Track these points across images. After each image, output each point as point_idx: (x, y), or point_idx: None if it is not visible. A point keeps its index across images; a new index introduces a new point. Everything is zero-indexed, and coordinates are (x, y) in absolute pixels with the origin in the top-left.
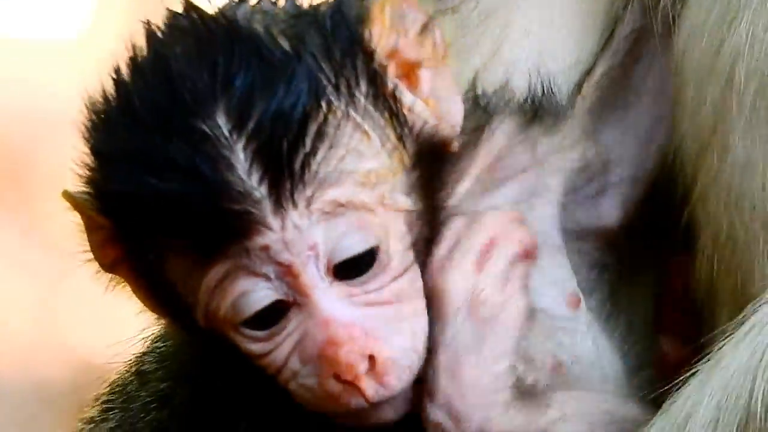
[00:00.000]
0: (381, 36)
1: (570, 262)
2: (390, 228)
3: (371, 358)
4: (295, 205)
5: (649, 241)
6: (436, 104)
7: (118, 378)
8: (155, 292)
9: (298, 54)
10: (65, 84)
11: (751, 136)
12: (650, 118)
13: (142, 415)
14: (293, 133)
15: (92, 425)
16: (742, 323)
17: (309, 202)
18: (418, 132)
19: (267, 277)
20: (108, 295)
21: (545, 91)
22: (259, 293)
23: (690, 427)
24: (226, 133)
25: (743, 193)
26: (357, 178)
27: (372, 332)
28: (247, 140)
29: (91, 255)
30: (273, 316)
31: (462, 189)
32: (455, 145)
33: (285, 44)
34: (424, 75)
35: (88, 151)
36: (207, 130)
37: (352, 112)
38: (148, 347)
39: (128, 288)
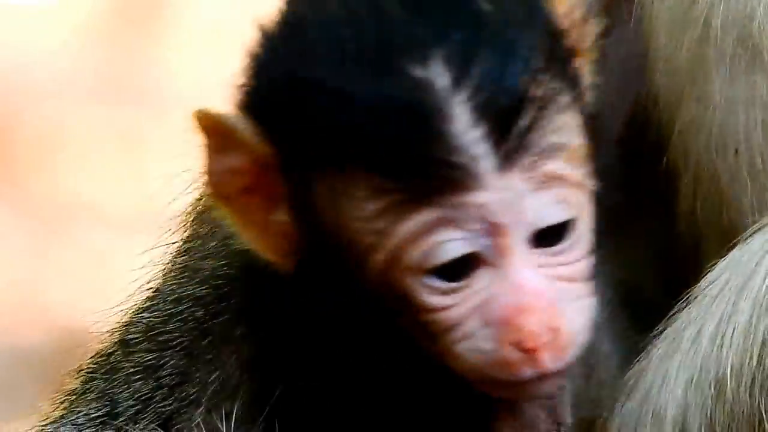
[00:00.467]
0: (566, 18)
1: None
2: (584, 206)
3: (554, 331)
4: (516, 169)
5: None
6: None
7: (102, 348)
8: (299, 226)
9: (511, 20)
10: (45, 50)
11: (731, 84)
12: (620, 87)
13: (125, 385)
14: (517, 98)
15: (74, 397)
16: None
17: (530, 169)
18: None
19: (472, 232)
20: (89, 262)
21: None
22: (458, 243)
23: (662, 407)
24: (447, 84)
25: (725, 138)
26: (568, 153)
27: (559, 305)
28: (468, 95)
29: (207, 179)
30: (462, 270)
31: None
32: None
33: (491, 8)
34: (582, 63)
35: (263, 75)
36: (427, 76)
37: (563, 86)
38: (132, 317)
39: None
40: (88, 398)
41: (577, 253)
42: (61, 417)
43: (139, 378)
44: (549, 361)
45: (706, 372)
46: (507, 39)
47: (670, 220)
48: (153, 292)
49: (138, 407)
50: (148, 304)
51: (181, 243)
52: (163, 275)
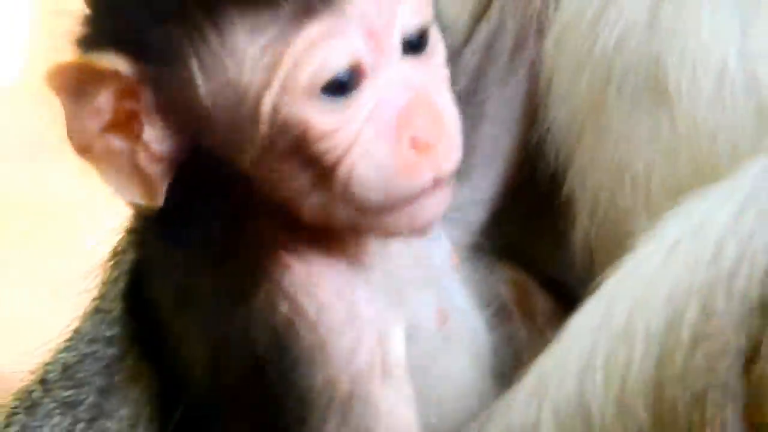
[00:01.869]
0: None
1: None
2: (432, 13)
3: (440, 124)
4: None
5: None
6: None
7: (24, 386)
8: (173, 129)
9: None
10: (6, 131)
11: (633, 121)
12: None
13: (46, 419)
14: None
15: None
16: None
17: None
18: None
19: (353, 41)
20: (12, 306)
21: None
22: (342, 54)
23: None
24: None
25: (623, 172)
26: None
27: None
28: None
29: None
30: (349, 85)
31: None
32: None
33: None
34: None
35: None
36: None
37: None
38: (52, 357)
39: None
40: (12, 431)
41: (437, 59)
42: None
43: (58, 413)
44: (443, 156)
45: (574, 408)
46: None
47: (566, 249)
48: (73, 333)
49: None
50: (67, 344)
51: (97, 287)
52: (82, 318)
